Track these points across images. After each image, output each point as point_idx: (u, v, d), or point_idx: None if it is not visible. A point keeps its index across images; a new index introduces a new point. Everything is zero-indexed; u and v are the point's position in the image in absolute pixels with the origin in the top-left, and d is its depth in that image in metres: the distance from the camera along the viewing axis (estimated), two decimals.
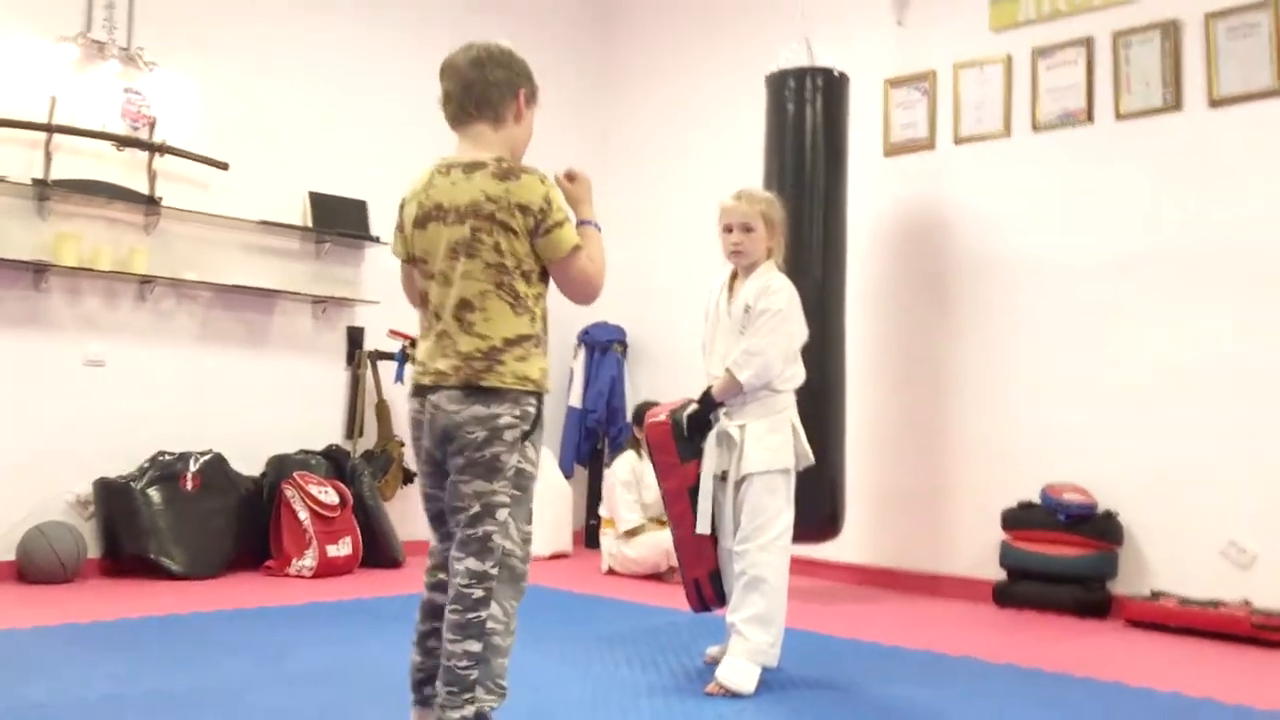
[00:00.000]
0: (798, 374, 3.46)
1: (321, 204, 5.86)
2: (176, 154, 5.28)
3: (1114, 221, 4.96)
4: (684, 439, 3.47)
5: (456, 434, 2.38)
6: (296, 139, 5.82)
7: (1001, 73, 5.34)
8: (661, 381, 6.53)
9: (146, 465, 5.10)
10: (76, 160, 5.04)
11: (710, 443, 3.43)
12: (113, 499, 5.02)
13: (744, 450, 3.36)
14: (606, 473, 6.00)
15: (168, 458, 5.14)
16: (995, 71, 5.36)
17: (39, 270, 4.91)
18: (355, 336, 6.02)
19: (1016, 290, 5.22)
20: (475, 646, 2.32)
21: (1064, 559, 4.78)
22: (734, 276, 3.55)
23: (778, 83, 5.17)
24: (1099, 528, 4.76)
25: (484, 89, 2.45)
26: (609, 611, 4.55)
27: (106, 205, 5.12)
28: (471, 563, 2.34)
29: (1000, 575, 5.03)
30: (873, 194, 5.63)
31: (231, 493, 5.29)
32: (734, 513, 3.39)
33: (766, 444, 3.36)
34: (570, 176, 2.58)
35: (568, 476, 6.57)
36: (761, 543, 3.29)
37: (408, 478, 5.96)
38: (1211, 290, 4.67)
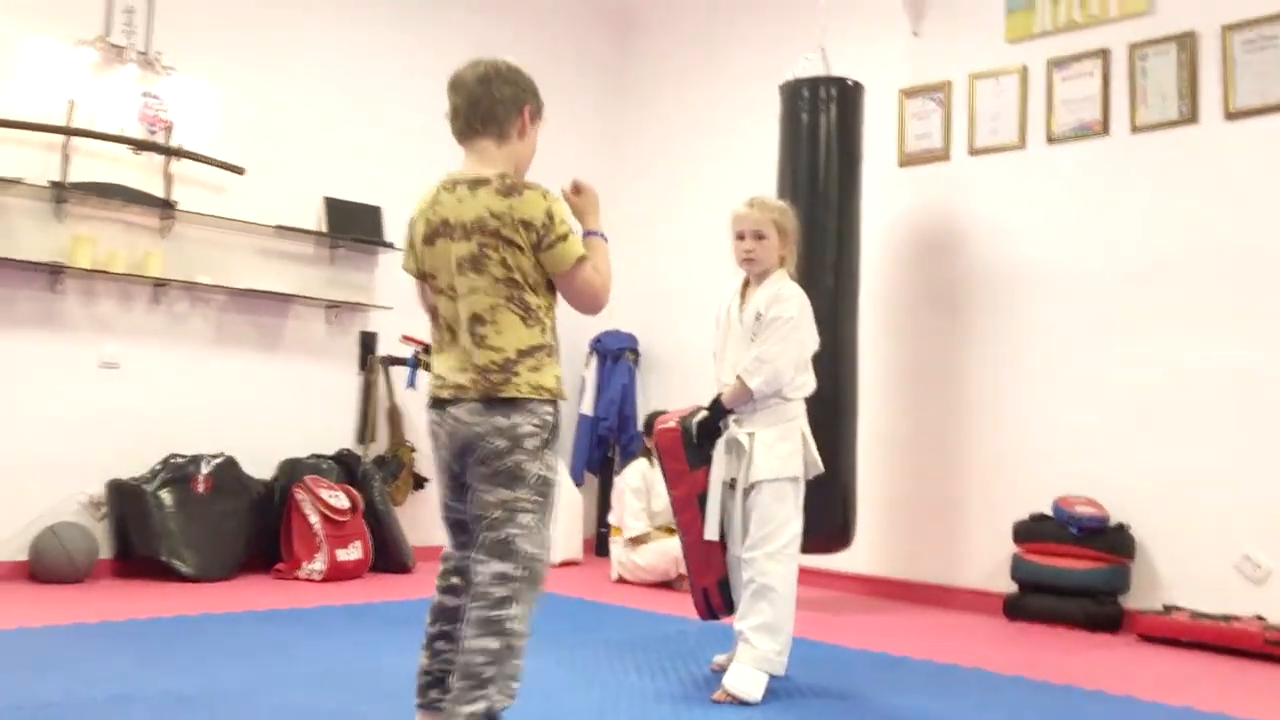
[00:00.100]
0: (808, 382, 3.45)
1: (336, 209, 5.88)
2: (193, 158, 5.31)
3: (1128, 233, 4.94)
4: (693, 446, 3.47)
5: (478, 445, 2.40)
6: (312, 144, 5.85)
7: (1017, 84, 5.33)
8: (673, 390, 6.53)
9: (159, 467, 5.12)
10: (93, 163, 5.07)
11: (719, 450, 3.43)
12: (125, 500, 5.04)
13: (753, 458, 3.35)
14: (615, 480, 6.00)
15: (180, 460, 5.16)
16: (1010, 83, 5.35)
17: (55, 272, 4.94)
18: (368, 341, 6.04)
19: (1030, 301, 5.21)
20: (494, 644, 2.32)
21: (1076, 572, 4.75)
22: (746, 284, 3.55)
23: (792, 91, 5.17)
24: (1111, 541, 4.74)
25: (490, 105, 2.50)
26: (618, 619, 4.54)
27: (122, 208, 5.14)
28: (495, 565, 2.37)
29: (1011, 588, 5.01)
30: (886, 204, 5.62)
31: (243, 496, 5.30)
32: (743, 520, 3.38)
33: (776, 452, 3.36)
34: (576, 189, 2.60)
35: (578, 484, 6.57)
36: (770, 550, 3.29)
37: (419, 483, 5.97)
38: (1227, 303, 4.65)
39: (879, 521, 5.48)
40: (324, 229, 5.84)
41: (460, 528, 2.54)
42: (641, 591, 5.39)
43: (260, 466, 5.45)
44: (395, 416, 6.02)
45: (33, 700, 2.85)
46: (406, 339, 5.88)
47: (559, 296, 2.54)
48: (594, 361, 6.82)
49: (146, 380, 5.25)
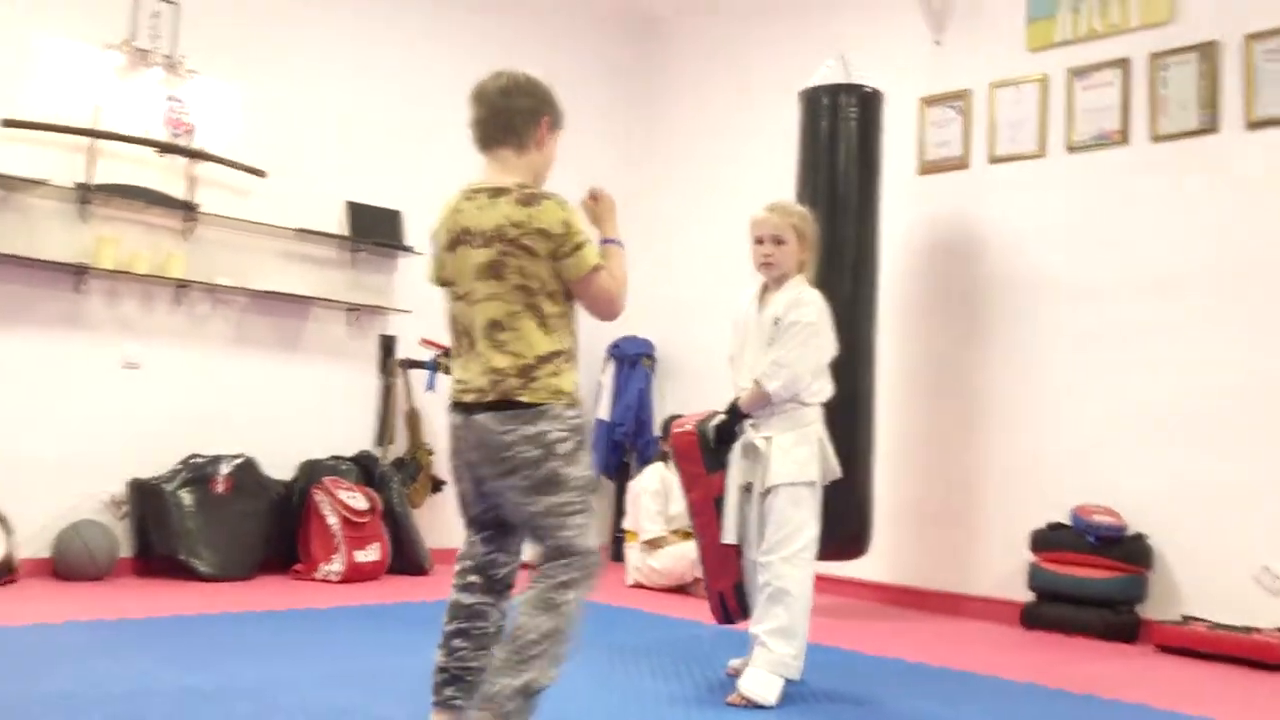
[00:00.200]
0: (826, 388, 3.46)
1: (358, 213, 5.92)
2: (215, 161, 5.35)
3: (1148, 243, 4.93)
4: (710, 450, 3.48)
5: (508, 455, 2.44)
6: (334, 148, 5.89)
7: (1037, 93, 5.32)
8: (690, 395, 6.53)
9: (179, 467, 5.16)
10: (118, 165, 5.12)
11: (736, 454, 3.43)
12: (145, 500, 5.08)
13: (770, 462, 3.35)
14: (630, 485, 6.01)
15: (200, 460, 5.20)
16: (1031, 91, 5.35)
17: (79, 272, 4.99)
18: (388, 344, 6.07)
19: (1049, 310, 5.20)
20: (548, 623, 2.40)
21: (1093, 581, 4.73)
22: (764, 289, 3.56)
23: (812, 99, 5.17)
24: (1129, 550, 4.72)
25: (509, 116, 2.58)
26: (633, 623, 4.55)
27: (146, 210, 5.19)
28: (563, 560, 2.45)
29: (1028, 597, 4.99)
30: (906, 212, 5.62)
31: (262, 496, 5.33)
32: (759, 524, 3.38)
33: (793, 456, 3.36)
34: (594, 197, 2.68)
35: None
36: (786, 555, 3.29)
37: (436, 486, 5.99)
38: (1248, 312, 4.63)
39: (895, 529, 5.47)
40: (345, 232, 5.87)
41: (482, 524, 2.58)
42: (657, 596, 5.39)
43: (279, 467, 5.48)
44: (414, 419, 6.05)
45: (53, 693, 2.88)
46: (426, 342, 5.91)
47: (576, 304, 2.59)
48: (611, 367, 6.83)
49: (168, 381, 5.30)
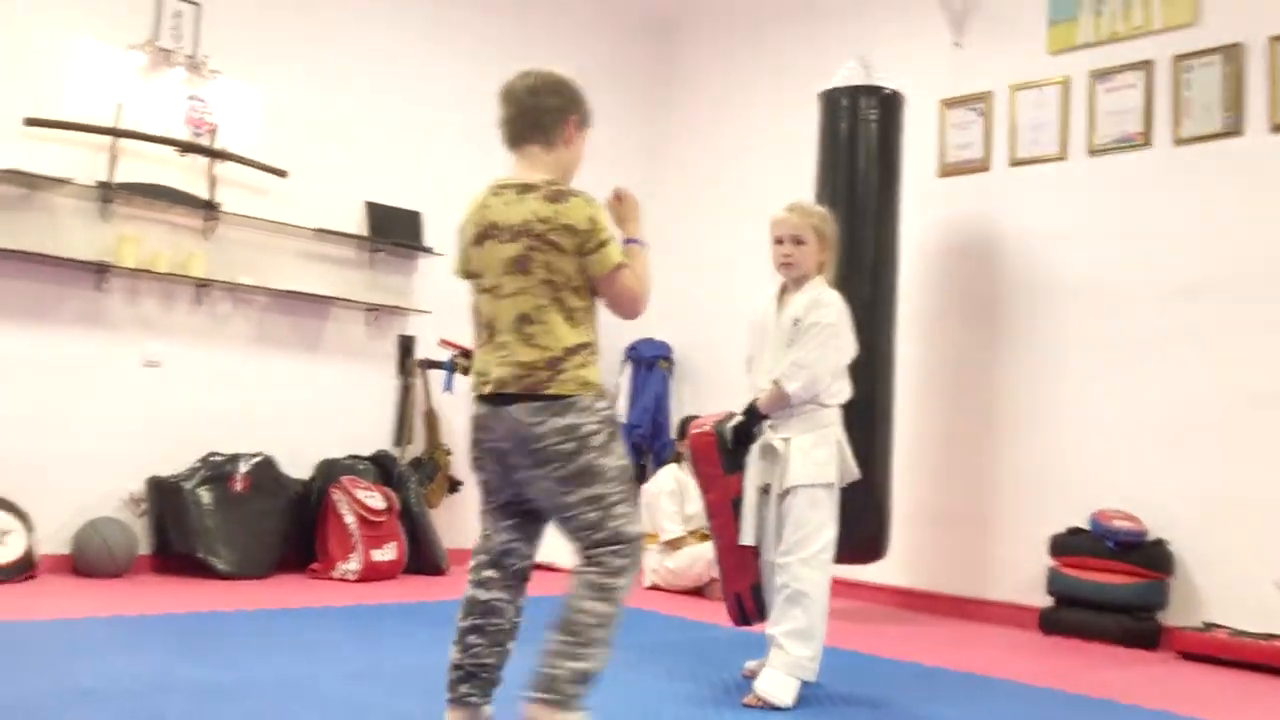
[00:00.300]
0: (844, 389, 3.45)
1: (377, 214, 5.94)
2: (236, 161, 5.37)
3: (1170, 246, 4.90)
4: (728, 451, 3.47)
5: (540, 447, 2.48)
6: (354, 149, 5.90)
7: (1058, 95, 5.30)
8: (707, 398, 6.51)
9: (198, 465, 5.17)
10: (140, 164, 5.15)
11: (754, 455, 3.42)
12: (164, 498, 5.10)
13: (788, 463, 3.34)
14: (644, 488, 5.99)
15: (219, 459, 5.22)
16: (1052, 94, 5.32)
17: (100, 271, 5.02)
18: (406, 345, 6.08)
19: (1069, 314, 5.17)
20: (605, 609, 2.46)
21: (1112, 587, 4.70)
22: (783, 290, 3.55)
23: (832, 100, 5.16)
24: (1149, 556, 4.69)
25: (538, 115, 2.61)
26: (649, 624, 4.54)
27: (167, 209, 5.22)
28: (613, 546, 2.50)
29: (1046, 602, 4.96)
30: (926, 214, 5.59)
31: (280, 495, 5.35)
32: (777, 526, 3.37)
33: (811, 458, 3.34)
34: (619, 197, 2.71)
35: None
36: (804, 556, 3.28)
37: (454, 486, 6.00)
38: (1271, 316, 4.59)
39: (913, 533, 5.44)
40: (365, 233, 5.89)
41: (506, 513, 2.62)
42: (674, 598, 5.39)
43: (298, 466, 5.50)
44: (432, 419, 6.06)
45: (72, 688, 2.90)
46: (444, 343, 5.91)
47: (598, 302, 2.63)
48: (628, 369, 6.83)
49: (188, 379, 5.32)
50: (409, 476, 5.73)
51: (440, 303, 6.03)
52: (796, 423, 3.37)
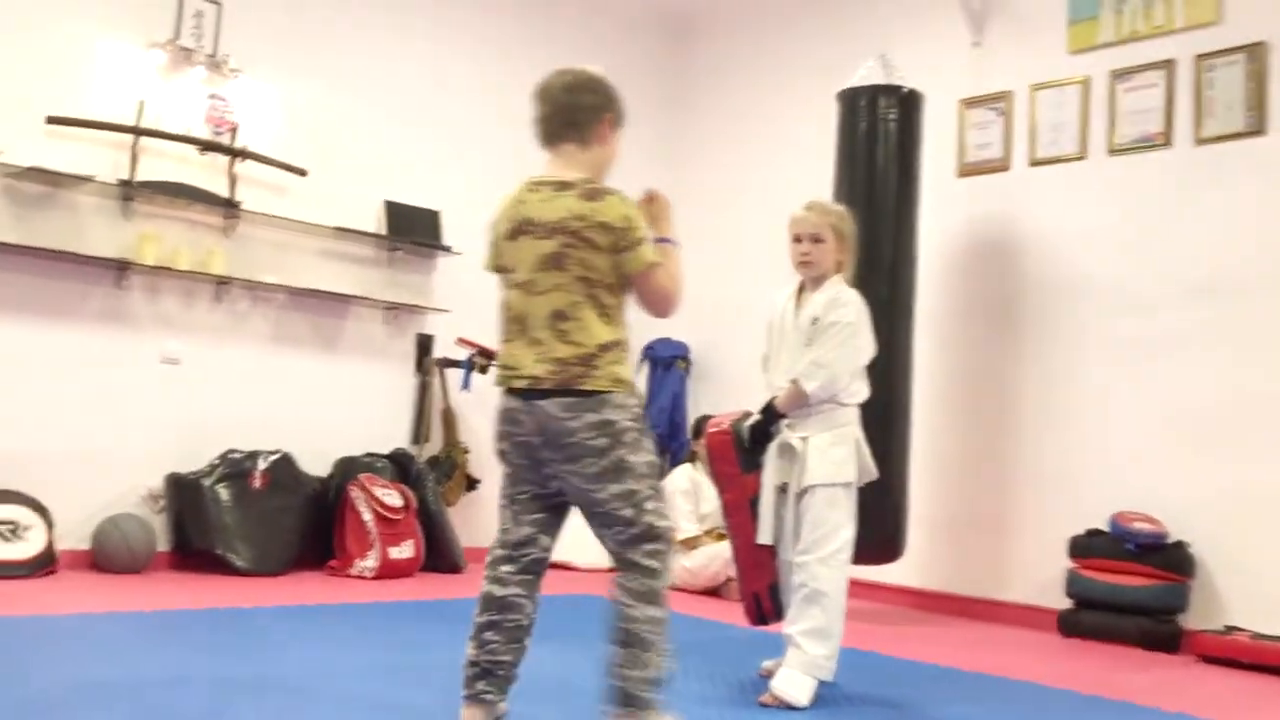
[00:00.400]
0: (862, 389, 3.43)
1: (396, 212, 5.95)
2: (256, 159, 5.40)
3: (1191, 247, 4.87)
4: (745, 450, 3.46)
5: (573, 442, 2.52)
6: (373, 148, 5.92)
7: (1079, 95, 5.27)
8: (724, 398, 6.50)
9: (216, 462, 5.20)
10: (160, 163, 5.17)
11: (771, 454, 3.41)
12: (183, 494, 5.12)
13: (806, 462, 3.33)
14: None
15: (237, 456, 5.24)
16: (1072, 93, 5.29)
17: (121, 268, 5.05)
18: (424, 343, 6.09)
19: (1089, 315, 5.14)
20: (657, 612, 2.53)
21: (1132, 589, 4.67)
22: (801, 289, 3.54)
23: (850, 100, 5.15)
24: (1169, 558, 4.66)
25: (573, 113, 2.65)
26: None
27: (188, 207, 5.24)
28: (647, 546, 2.55)
29: (1065, 604, 4.94)
30: (945, 214, 5.57)
31: (298, 492, 5.37)
32: (795, 525, 3.36)
33: (830, 457, 3.34)
34: (650, 198, 2.75)
35: None
36: (821, 555, 3.27)
37: (471, 484, 6.01)
38: None
39: (930, 534, 5.42)
40: (384, 232, 5.91)
41: (530, 507, 2.64)
42: (690, 598, 5.38)
43: (316, 464, 5.52)
44: (449, 418, 6.07)
45: (91, 681, 2.91)
46: (462, 342, 5.93)
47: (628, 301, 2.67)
48: (645, 369, 6.83)
49: (207, 377, 5.34)
50: (426, 474, 5.74)
51: (458, 302, 6.05)
52: (815, 422, 3.36)
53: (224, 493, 5.12)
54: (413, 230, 5.98)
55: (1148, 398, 4.92)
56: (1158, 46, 5.04)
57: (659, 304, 2.65)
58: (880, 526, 4.66)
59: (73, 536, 4.89)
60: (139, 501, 5.10)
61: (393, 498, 5.40)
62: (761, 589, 3.52)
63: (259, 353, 5.53)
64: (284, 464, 5.34)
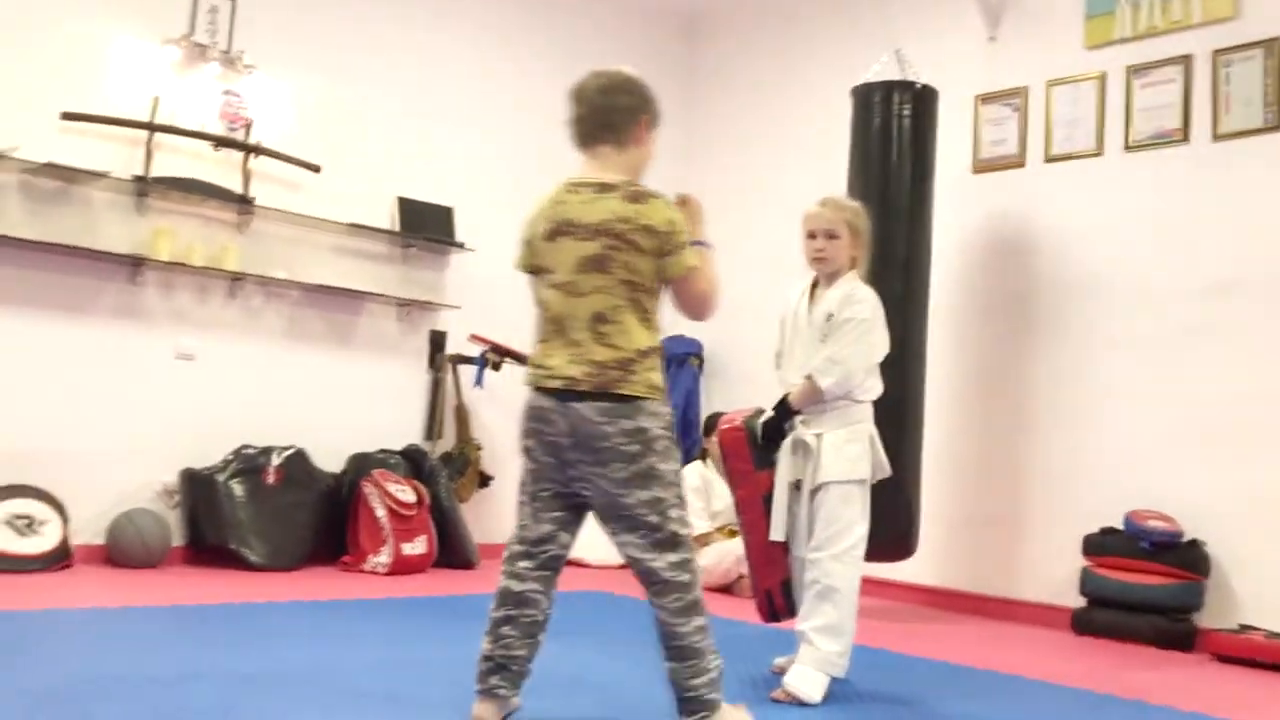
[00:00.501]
0: (876, 385, 3.42)
1: (409, 209, 5.96)
2: (270, 155, 5.41)
3: (1207, 244, 4.84)
4: (758, 446, 3.45)
5: (606, 446, 2.53)
6: (387, 144, 5.93)
7: (1095, 90, 5.24)
8: (738, 395, 6.49)
9: (231, 458, 5.21)
10: (175, 159, 5.19)
11: (785, 450, 3.40)
12: (197, 489, 5.14)
13: (821, 459, 3.32)
14: None
15: (251, 451, 5.25)
16: (1088, 89, 5.27)
17: (136, 264, 5.06)
18: (438, 340, 6.10)
19: (1104, 311, 5.12)
20: (702, 620, 2.58)
21: (1147, 588, 4.65)
22: (814, 285, 3.53)
23: (864, 96, 5.13)
24: (1184, 557, 4.63)
25: (610, 114, 2.66)
26: None
27: (202, 203, 5.26)
28: (671, 556, 2.57)
29: (1079, 602, 4.92)
30: (959, 210, 5.55)
31: (312, 488, 5.38)
32: (808, 522, 3.35)
33: (844, 454, 3.32)
34: (682, 201, 2.76)
35: None
36: (835, 552, 3.26)
37: (484, 481, 6.02)
38: None
39: (943, 532, 5.41)
40: (397, 228, 5.91)
41: (552, 505, 2.64)
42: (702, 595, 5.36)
43: (329, 460, 5.53)
44: (462, 414, 6.08)
45: (104, 675, 2.92)
46: (475, 338, 5.93)
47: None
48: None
49: (221, 372, 5.36)
50: (439, 471, 5.75)
51: (472, 298, 6.06)
52: (829, 418, 3.35)
53: (238, 488, 5.13)
54: (426, 227, 5.98)
55: (1164, 395, 4.89)
56: (1175, 42, 5.01)
57: (698, 307, 2.68)
58: (893, 524, 4.65)
59: (88, 531, 4.91)
60: (154, 496, 5.12)
61: (406, 494, 5.41)
62: (774, 586, 3.51)
63: (273, 349, 5.54)
64: (298, 460, 5.35)
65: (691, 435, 6.65)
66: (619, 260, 2.54)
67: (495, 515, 5.97)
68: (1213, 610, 4.63)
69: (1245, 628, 4.46)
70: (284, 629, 3.76)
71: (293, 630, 3.75)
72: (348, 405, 5.73)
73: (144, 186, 5.05)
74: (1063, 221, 5.30)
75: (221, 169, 5.33)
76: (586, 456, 2.55)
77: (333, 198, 5.65)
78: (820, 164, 5.83)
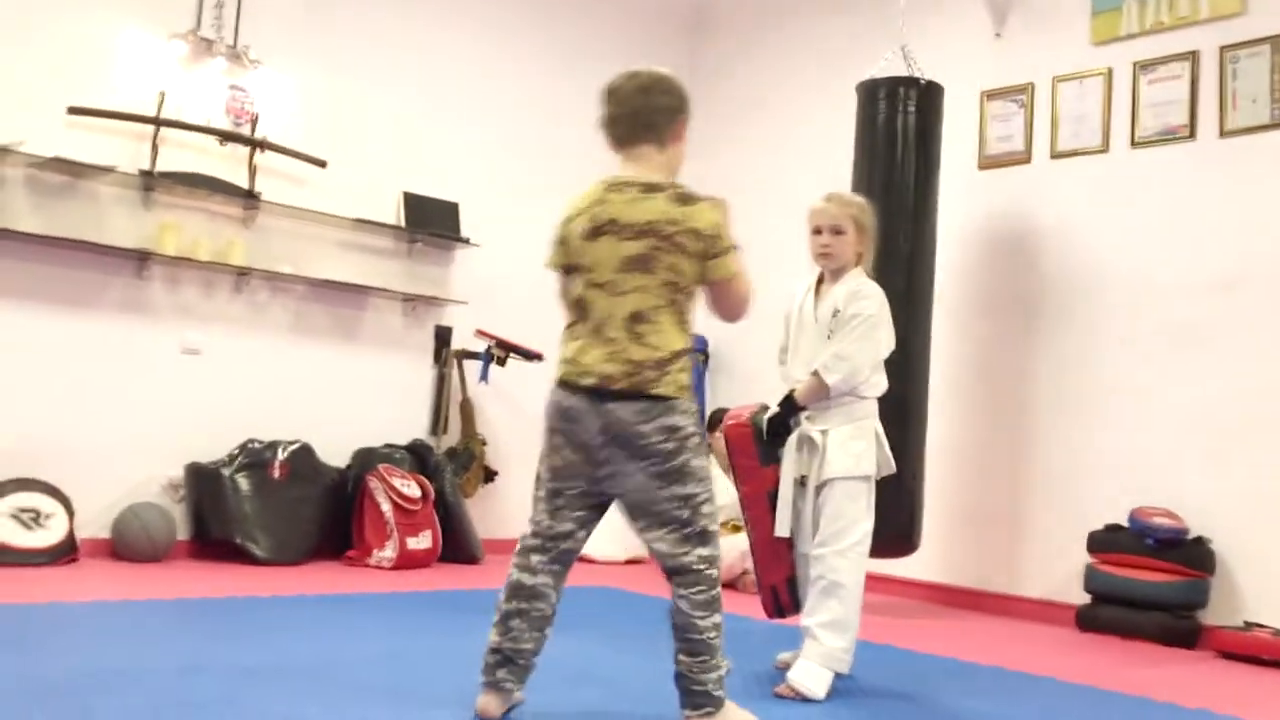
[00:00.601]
0: (881, 381, 3.42)
1: (415, 204, 5.96)
2: (276, 150, 5.41)
3: (1214, 241, 4.83)
4: (763, 442, 3.45)
5: (644, 444, 2.55)
6: (393, 140, 5.93)
7: (1101, 86, 5.23)
8: (742, 391, 6.48)
9: (236, 452, 5.22)
10: (181, 153, 5.20)
11: (790, 447, 3.40)
12: (203, 484, 5.15)
13: (826, 455, 3.32)
14: None
15: (257, 446, 5.26)
16: (1095, 85, 5.26)
17: (142, 258, 5.07)
18: (443, 335, 6.10)
19: (1110, 309, 5.11)
20: (719, 618, 2.61)
21: (1152, 585, 4.64)
22: (820, 281, 3.52)
23: (869, 91, 5.13)
24: (1189, 554, 4.62)
25: (650, 114, 2.68)
26: None
27: (208, 198, 5.26)
28: (701, 550, 2.60)
29: (1083, 599, 4.91)
30: (965, 207, 5.55)
31: (317, 482, 5.39)
32: (813, 517, 3.35)
33: (849, 450, 3.32)
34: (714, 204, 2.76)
35: None
36: (840, 548, 3.26)
37: (489, 476, 6.02)
38: None
39: (948, 528, 5.41)
40: (402, 223, 5.92)
41: (574, 501, 2.65)
42: None
43: (335, 454, 5.53)
44: (467, 409, 6.08)
45: (109, 668, 2.93)
46: (480, 334, 5.93)
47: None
48: None
49: (227, 367, 5.37)
50: (444, 466, 5.75)
51: (477, 294, 6.06)
52: (834, 414, 3.35)
53: (243, 483, 5.14)
54: (431, 222, 5.98)
55: (1169, 392, 4.88)
56: (1182, 38, 4.99)
57: (736, 310, 2.73)
58: (895, 520, 4.65)
59: (93, 525, 4.93)
60: (159, 491, 5.14)
61: (411, 489, 5.41)
62: (779, 582, 3.51)
63: (278, 343, 5.55)
64: (303, 454, 5.36)
65: None
66: (664, 261, 2.55)
67: (500, 510, 5.98)
68: (1217, 607, 4.62)
69: (1250, 625, 4.45)
70: (288, 623, 3.76)
71: (297, 624, 3.75)
72: (353, 400, 5.74)
73: (150, 181, 5.06)
74: (1068, 218, 5.29)
75: (227, 164, 5.34)
76: (621, 452, 2.56)
77: (338, 193, 5.65)
78: (825, 160, 5.81)
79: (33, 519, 4.64)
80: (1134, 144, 5.12)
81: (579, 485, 2.64)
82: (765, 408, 3.47)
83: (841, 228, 3.42)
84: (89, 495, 4.88)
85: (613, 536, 5.63)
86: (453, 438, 6.06)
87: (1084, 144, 5.28)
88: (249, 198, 5.35)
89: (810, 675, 3.17)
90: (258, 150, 5.39)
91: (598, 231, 2.60)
